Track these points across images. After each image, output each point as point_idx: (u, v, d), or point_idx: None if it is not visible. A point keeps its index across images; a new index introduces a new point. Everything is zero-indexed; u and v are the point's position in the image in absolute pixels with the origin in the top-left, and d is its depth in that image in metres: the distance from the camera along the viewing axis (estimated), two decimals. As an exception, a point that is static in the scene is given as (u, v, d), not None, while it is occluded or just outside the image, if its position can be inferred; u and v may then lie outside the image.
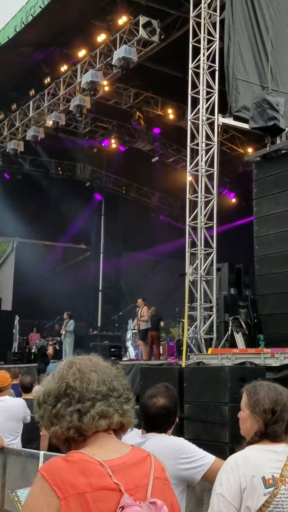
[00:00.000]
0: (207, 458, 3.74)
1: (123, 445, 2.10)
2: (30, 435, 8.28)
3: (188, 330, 14.00)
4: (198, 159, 14.66)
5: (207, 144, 14.69)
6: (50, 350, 22.96)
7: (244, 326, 14.29)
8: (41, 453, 6.13)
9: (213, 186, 14.67)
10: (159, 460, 2.14)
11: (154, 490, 1.98)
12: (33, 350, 23.63)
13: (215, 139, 14.65)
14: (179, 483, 3.72)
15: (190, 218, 14.67)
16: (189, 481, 3.79)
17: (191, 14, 15.21)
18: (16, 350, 24.99)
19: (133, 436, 3.95)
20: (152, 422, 3.92)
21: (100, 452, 1.97)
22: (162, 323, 19.88)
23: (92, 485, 1.86)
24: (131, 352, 22.58)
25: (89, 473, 1.88)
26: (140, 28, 17.60)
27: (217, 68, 14.89)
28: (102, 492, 1.86)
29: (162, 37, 18.16)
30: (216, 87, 14.85)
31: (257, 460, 3.02)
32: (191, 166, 14.84)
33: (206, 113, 14.74)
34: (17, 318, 25.52)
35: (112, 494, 1.87)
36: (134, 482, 1.95)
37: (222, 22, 14.86)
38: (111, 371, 2.14)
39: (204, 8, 15.04)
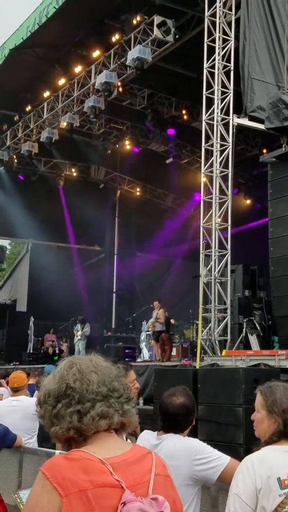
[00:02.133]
0: (223, 459, 3.72)
1: (123, 443, 2.12)
2: (46, 433, 8.28)
3: (202, 331, 13.93)
4: (212, 160, 14.60)
5: (221, 145, 14.61)
6: (64, 351, 23.11)
7: (259, 328, 14.23)
8: (57, 452, 6.13)
9: (227, 187, 14.59)
10: (161, 458, 2.15)
11: (155, 486, 1.99)
12: (49, 351, 23.74)
13: (230, 139, 14.57)
14: (195, 484, 3.71)
15: (205, 220, 14.62)
16: (205, 482, 3.79)
17: (206, 13, 15.15)
18: (31, 351, 25.10)
19: (149, 437, 3.94)
20: (172, 420, 3.93)
21: (101, 450, 1.98)
22: (172, 321, 19.83)
23: (93, 482, 1.86)
24: (145, 354, 22.56)
25: (90, 471, 1.89)
26: (155, 28, 17.53)
27: (232, 68, 14.80)
28: (104, 489, 1.87)
29: (177, 36, 18.06)
30: (231, 87, 14.77)
31: (273, 461, 2.99)
32: (206, 167, 14.77)
33: (221, 114, 14.66)
34: (32, 319, 25.60)
35: (113, 491, 1.88)
36: (135, 479, 1.96)
37: (237, 21, 14.79)
38: (111, 371, 2.15)
39: (219, 7, 14.96)
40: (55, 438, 2.10)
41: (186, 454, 3.70)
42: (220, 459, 3.71)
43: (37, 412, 2.13)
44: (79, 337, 22.86)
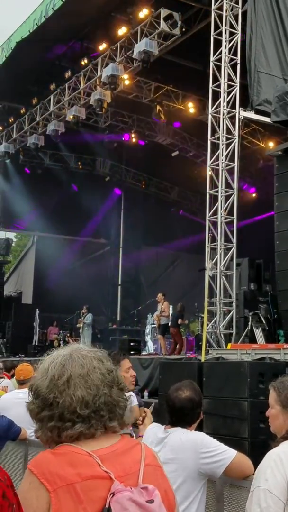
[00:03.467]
0: (229, 453, 3.74)
1: (112, 435, 2.08)
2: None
3: (208, 325, 13.95)
4: (218, 153, 14.58)
5: (227, 138, 14.60)
6: (71, 343, 23.16)
7: (264, 322, 14.21)
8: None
9: (233, 181, 14.58)
10: (150, 448, 2.13)
11: (146, 476, 1.97)
12: (55, 343, 23.77)
13: (236, 133, 14.55)
14: (201, 478, 3.73)
15: (210, 213, 14.61)
16: (210, 476, 3.80)
17: (213, 7, 15.10)
18: (36, 343, 25.14)
19: (156, 430, 3.96)
20: (178, 414, 3.95)
21: (88, 443, 1.97)
22: (179, 321, 19.84)
23: (81, 475, 1.85)
24: (150, 347, 22.58)
25: (77, 464, 1.88)
26: (161, 21, 17.47)
27: (238, 61, 14.77)
28: (92, 481, 1.86)
29: (184, 30, 18.01)
30: (238, 80, 14.75)
31: None
32: (212, 160, 14.76)
33: (227, 107, 14.64)
34: (37, 311, 25.65)
35: (102, 482, 1.87)
36: (124, 469, 1.94)
37: (244, 14, 14.76)
38: (104, 382, 2.06)
39: (226, 0, 14.92)
40: (38, 438, 2.08)
41: (192, 447, 3.71)
42: (226, 453, 3.73)
43: (27, 402, 2.09)
44: (81, 326, 23.01)
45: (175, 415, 3.96)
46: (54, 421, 1.99)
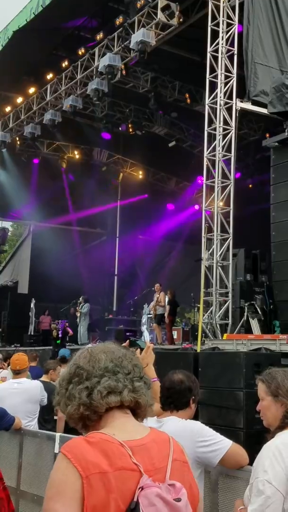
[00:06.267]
0: (225, 442, 3.77)
1: (142, 427, 2.11)
2: (45, 416, 8.41)
3: (204, 315, 13.99)
4: (215, 144, 14.59)
5: (224, 129, 14.61)
6: (70, 332, 23.22)
7: (260, 312, 14.27)
8: (57, 435, 6.18)
9: (230, 171, 14.61)
10: (178, 443, 2.14)
11: (173, 472, 1.99)
12: (53, 334, 23.78)
13: (233, 124, 14.57)
14: (197, 467, 3.75)
15: (207, 203, 14.64)
16: (206, 465, 3.83)
17: (210, -3, 15.09)
18: (32, 333, 25.13)
19: (149, 421, 3.98)
20: (165, 394, 4.01)
21: (120, 433, 1.99)
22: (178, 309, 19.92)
23: (113, 465, 1.86)
24: (146, 336, 22.62)
25: (110, 453, 1.89)
26: (159, 11, 17.41)
27: (235, 52, 14.78)
28: (123, 471, 1.87)
29: (181, 20, 17.96)
30: (235, 71, 14.76)
31: None
32: (208, 151, 14.78)
33: (224, 98, 14.66)
34: (33, 301, 25.62)
35: (131, 475, 1.88)
36: (153, 463, 1.96)
37: (241, 5, 14.74)
38: (120, 352, 2.17)
39: (224, -9, 14.91)
40: (70, 420, 2.12)
41: (188, 436, 3.71)
42: (222, 443, 3.76)
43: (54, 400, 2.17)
44: (78, 316, 23.07)
45: (163, 395, 4.01)
46: (82, 383, 2.08)
